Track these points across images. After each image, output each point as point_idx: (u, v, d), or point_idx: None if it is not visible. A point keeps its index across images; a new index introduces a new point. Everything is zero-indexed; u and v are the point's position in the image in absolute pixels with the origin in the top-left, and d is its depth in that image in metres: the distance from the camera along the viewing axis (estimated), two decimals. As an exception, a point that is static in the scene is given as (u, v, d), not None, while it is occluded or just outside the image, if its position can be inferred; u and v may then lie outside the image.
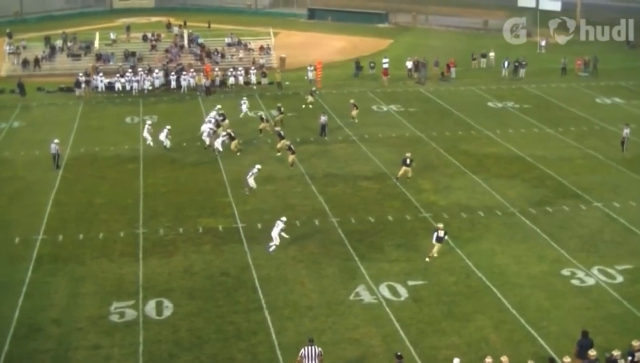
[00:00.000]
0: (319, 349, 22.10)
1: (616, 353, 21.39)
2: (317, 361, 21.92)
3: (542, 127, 50.45)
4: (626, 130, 44.98)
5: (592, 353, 21.55)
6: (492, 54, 71.85)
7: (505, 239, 32.70)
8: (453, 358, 22.11)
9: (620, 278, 29.17)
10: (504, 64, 67.00)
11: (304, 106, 54.51)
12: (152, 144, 44.88)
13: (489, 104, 57.15)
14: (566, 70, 66.82)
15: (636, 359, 21.65)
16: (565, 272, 29.71)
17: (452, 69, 66.17)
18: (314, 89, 57.82)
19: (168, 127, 45.27)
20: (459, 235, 32.67)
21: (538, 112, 54.28)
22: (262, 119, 48.96)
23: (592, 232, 33.47)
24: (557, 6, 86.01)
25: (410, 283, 28.67)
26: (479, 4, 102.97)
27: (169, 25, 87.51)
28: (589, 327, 23.64)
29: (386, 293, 27.93)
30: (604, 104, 57.58)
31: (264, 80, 62.75)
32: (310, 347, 22.04)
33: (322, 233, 33.21)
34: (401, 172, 39.13)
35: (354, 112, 51.28)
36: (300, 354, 22.02)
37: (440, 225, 30.86)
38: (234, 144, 43.86)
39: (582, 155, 44.44)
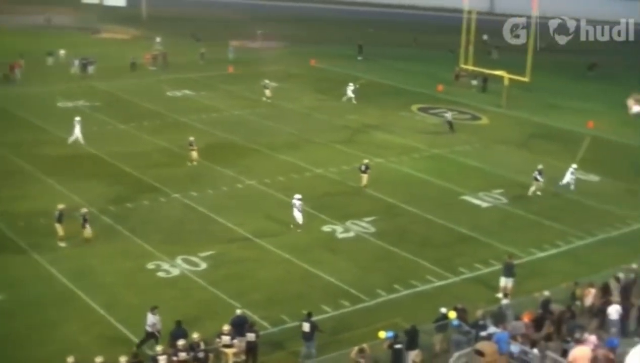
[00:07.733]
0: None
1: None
2: None
3: (115, 123, 50.43)
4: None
5: (180, 342, 21.93)
6: (62, 52, 70.13)
7: (88, 240, 32.00)
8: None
9: (204, 265, 30.30)
10: (74, 61, 65.80)
11: None
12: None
13: (59, 104, 55.50)
14: (136, 66, 67.58)
15: None
16: (151, 265, 30.06)
17: (17, 70, 62.94)
18: None
19: None
20: (40, 242, 31.34)
21: (110, 109, 54.12)
22: None
23: (174, 223, 34.30)
24: (122, 2, 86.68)
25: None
26: (40, 1, 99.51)
27: None
28: (180, 316, 24.07)
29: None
30: (175, 97, 59.33)
31: None
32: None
33: None
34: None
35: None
36: None
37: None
38: None
39: (158, 149, 45.28)
